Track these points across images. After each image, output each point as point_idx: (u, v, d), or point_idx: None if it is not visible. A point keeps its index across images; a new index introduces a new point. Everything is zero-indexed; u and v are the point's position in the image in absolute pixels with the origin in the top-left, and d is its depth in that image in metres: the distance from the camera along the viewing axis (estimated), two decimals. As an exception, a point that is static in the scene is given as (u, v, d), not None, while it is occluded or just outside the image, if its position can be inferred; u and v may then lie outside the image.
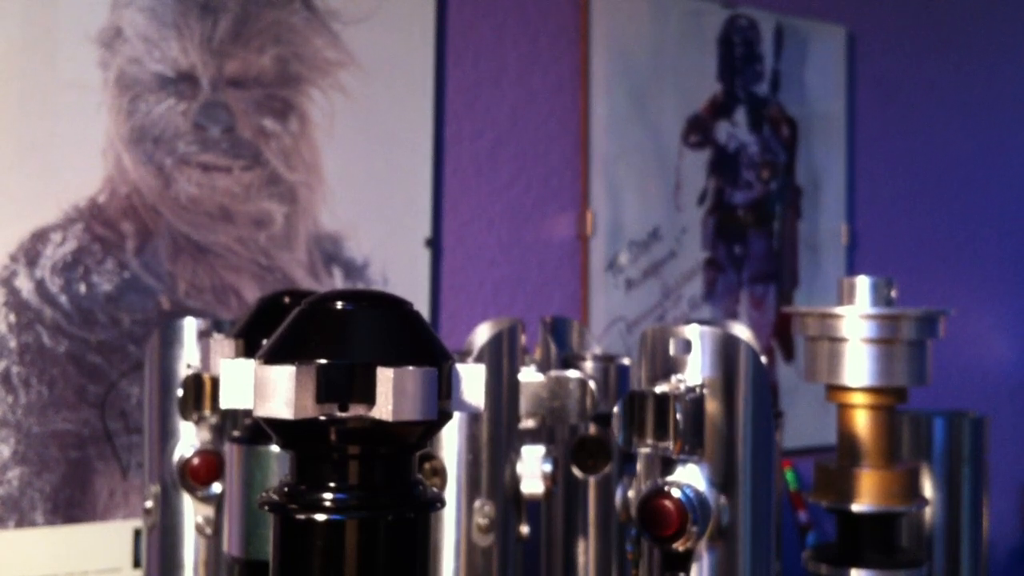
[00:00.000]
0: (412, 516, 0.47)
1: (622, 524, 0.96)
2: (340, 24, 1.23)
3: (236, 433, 0.71)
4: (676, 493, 0.66)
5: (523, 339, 0.88)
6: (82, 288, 1.08)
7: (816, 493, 0.93)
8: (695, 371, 0.68)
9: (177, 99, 1.13)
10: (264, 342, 0.49)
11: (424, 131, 1.28)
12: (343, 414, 0.45)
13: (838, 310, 0.91)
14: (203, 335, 0.89)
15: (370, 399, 0.45)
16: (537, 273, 1.37)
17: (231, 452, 0.69)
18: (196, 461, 0.89)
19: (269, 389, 0.45)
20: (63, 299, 1.07)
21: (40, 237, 1.07)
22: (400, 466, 0.48)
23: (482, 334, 0.91)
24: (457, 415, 0.74)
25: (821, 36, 1.63)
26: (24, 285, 1.06)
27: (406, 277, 1.26)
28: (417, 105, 1.28)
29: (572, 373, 0.86)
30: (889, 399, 0.91)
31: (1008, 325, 1.88)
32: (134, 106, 1.11)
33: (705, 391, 0.68)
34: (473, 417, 0.81)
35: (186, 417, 0.89)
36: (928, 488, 1.06)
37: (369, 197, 1.24)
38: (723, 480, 0.67)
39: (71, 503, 1.08)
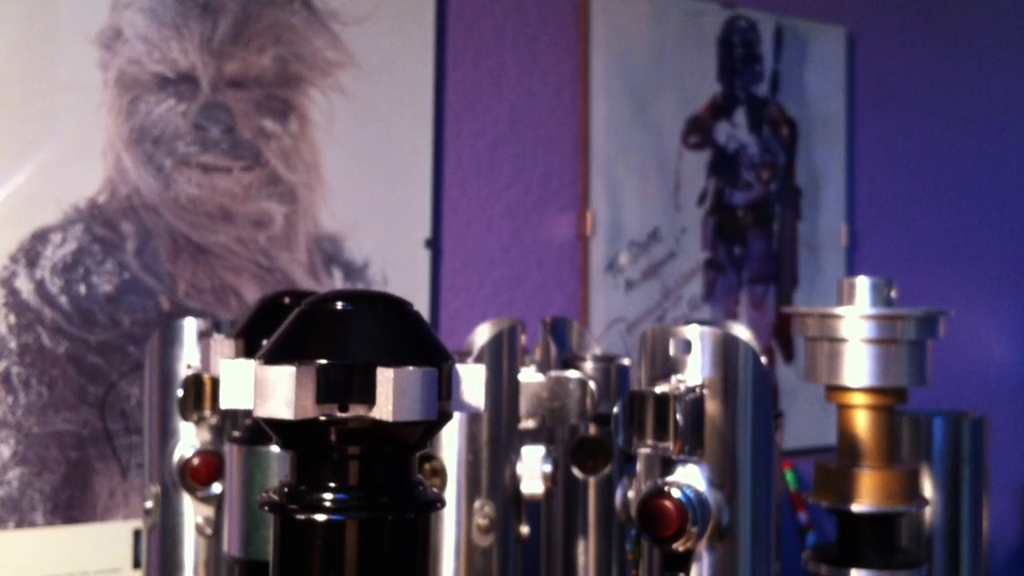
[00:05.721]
0: (412, 516, 0.47)
1: (622, 524, 0.96)
2: (340, 24, 1.23)
3: (236, 433, 0.71)
4: (676, 493, 0.66)
5: (523, 339, 0.88)
6: (82, 289, 1.08)
7: (816, 493, 0.93)
8: (695, 371, 0.68)
9: (177, 100, 1.13)
10: (264, 342, 0.49)
11: (424, 131, 1.28)
12: (343, 414, 0.45)
13: (838, 310, 0.91)
14: (203, 335, 0.89)
15: (370, 399, 0.45)
16: (537, 273, 1.37)
17: (231, 452, 0.69)
18: (196, 461, 0.89)
19: (269, 389, 0.45)
20: (63, 300, 1.07)
21: (40, 237, 1.07)
22: (400, 466, 0.48)
23: (482, 334, 0.91)
24: (457, 415, 0.74)
25: (821, 36, 1.63)
26: (24, 286, 1.06)
27: (406, 277, 1.26)
28: (417, 105, 1.28)
29: (572, 373, 0.86)
30: (889, 399, 0.91)
31: (1008, 325, 1.88)
32: (134, 107, 1.11)
33: (705, 391, 0.67)
34: (473, 417, 0.81)
35: (186, 417, 0.89)
36: (928, 488, 1.06)
37: (369, 197, 1.24)
38: (723, 480, 0.67)
39: (71, 503, 1.08)
